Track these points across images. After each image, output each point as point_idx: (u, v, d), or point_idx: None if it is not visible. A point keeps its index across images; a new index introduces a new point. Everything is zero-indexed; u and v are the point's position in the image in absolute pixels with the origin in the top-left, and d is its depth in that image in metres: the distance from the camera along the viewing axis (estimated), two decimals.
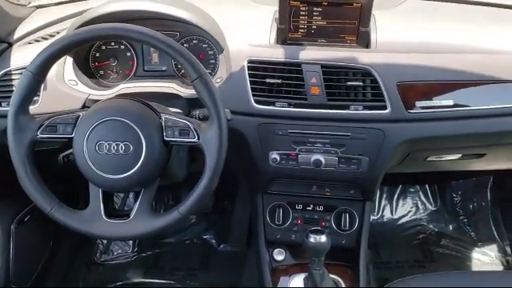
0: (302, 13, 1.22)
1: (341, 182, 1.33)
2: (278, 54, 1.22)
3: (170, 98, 1.24)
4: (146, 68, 1.38)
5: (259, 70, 1.22)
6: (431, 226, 2.18)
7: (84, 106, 1.24)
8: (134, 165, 1.00)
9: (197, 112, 1.18)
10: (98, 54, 1.37)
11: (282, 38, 1.25)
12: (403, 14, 1.38)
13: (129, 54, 1.37)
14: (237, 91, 1.23)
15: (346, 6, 1.18)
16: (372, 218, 2.19)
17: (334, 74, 1.20)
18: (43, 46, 1.00)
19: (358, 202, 1.39)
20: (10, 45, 1.40)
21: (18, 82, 1.01)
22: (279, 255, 1.45)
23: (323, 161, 1.25)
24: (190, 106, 1.23)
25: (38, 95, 1.24)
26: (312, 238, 1.12)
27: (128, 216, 1.04)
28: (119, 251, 2.10)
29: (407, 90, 1.19)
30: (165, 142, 1.03)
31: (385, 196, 2.23)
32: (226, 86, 1.23)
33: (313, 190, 1.39)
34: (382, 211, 2.22)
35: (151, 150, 1.00)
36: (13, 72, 1.28)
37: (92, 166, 1.01)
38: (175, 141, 1.03)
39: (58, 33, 1.38)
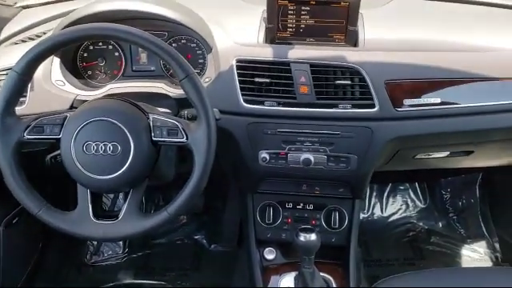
0: (290, 12, 1.22)
1: (330, 180, 1.33)
2: (266, 53, 1.22)
3: (158, 98, 1.24)
4: (134, 68, 1.37)
5: (248, 69, 1.22)
6: (421, 224, 2.19)
7: (72, 107, 1.23)
8: (122, 165, 0.99)
9: (185, 112, 1.18)
10: (85, 54, 1.36)
11: (271, 38, 1.25)
12: (391, 13, 1.39)
13: (117, 54, 1.36)
14: (226, 91, 1.22)
15: (334, 5, 1.19)
16: (362, 216, 2.20)
17: (322, 73, 1.21)
18: (30, 47, 0.99)
19: (347, 200, 1.40)
20: None
21: (3, 83, 1.00)
22: (270, 254, 1.46)
23: (312, 159, 1.25)
24: (178, 105, 1.22)
25: (25, 96, 1.22)
26: (302, 237, 1.13)
27: (116, 217, 1.03)
28: (110, 252, 2.09)
29: (395, 88, 1.20)
30: (153, 142, 1.02)
31: (375, 194, 2.25)
32: (214, 85, 1.23)
33: (302, 188, 1.40)
34: (372, 209, 2.23)
35: (139, 151, 1.00)
36: None
37: (80, 167, 1.00)
38: (163, 141, 1.03)
39: (44, 33, 1.37)
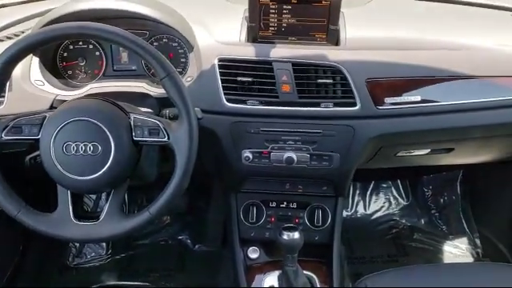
0: (271, 11, 1.22)
1: (313, 178, 1.34)
2: (248, 52, 1.22)
3: (140, 98, 1.23)
4: (115, 67, 1.36)
5: (230, 68, 1.22)
6: (404, 221, 2.21)
7: (52, 107, 1.21)
8: (103, 165, 0.98)
9: (167, 111, 1.17)
10: (65, 54, 1.34)
11: (253, 36, 1.25)
12: (372, 12, 1.40)
13: (97, 53, 1.34)
14: (208, 90, 1.22)
15: (315, 4, 1.19)
16: (346, 213, 2.21)
17: (304, 72, 1.21)
18: (7, 45, 0.97)
19: (330, 198, 1.41)
20: None
21: None
22: (253, 253, 1.46)
23: (295, 158, 1.26)
24: (160, 105, 1.21)
25: (3, 96, 1.20)
26: (285, 235, 1.13)
27: (98, 218, 1.02)
28: (92, 254, 2.07)
29: (376, 86, 1.21)
30: (134, 141, 1.02)
31: (358, 192, 2.26)
32: (196, 84, 1.23)
33: (286, 187, 1.40)
34: (356, 207, 2.24)
35: (120, 151, 0.99)
36: None
37: (60, 168, 0.99)
38: (145, 141, 1.02)
39: (22, 32, 1.34)
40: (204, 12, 1.37)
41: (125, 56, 1.35)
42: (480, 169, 1.88)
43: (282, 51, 1.22)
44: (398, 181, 2.27)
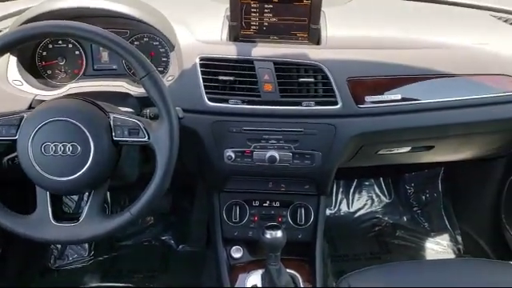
0: (253, 10, 1.22)
1: (296, 177, 1.34)
2: (230, 51, 1.22)
3: (120, 97, 1.22)
4: (95, 67, 1.34)
5: (211, 67, 1.21)
6: (386, 218, 2.23)
7: (30, 107, 1.19)
8: (82, 166, 0.97)
9: (147, 111, 1.16)
10: (44, 53, 1.32)
11: (234, 35, 1.25)
12: (352, 11, 1.41)
13: (77, 52, 1.33)
14: (189, 89, 1.22)
15: (296, 3, 1.19)
16: (329, 212, 2.22)
17: (286, 71, 1.21)
18: None
19: (312, 196, 1.41)
20: None
21: None
22: (237, 253, 1.46)
23: (278, 157, 1.26)
24: (141, 104, 1.20)
25: None
26: (268, 234, 1.13)
27: (77, 219, 1.01)
28: (75, 256, 2.04)
29: (357, 85, 1.22)
30: (114, 142, 1.01)
31: (341, 190, 2.27)
32: (178, 83, 1.22)
33: (269, 186, 1.40)
34: (339, 205, 2.25)
35: (100, 151, 0.98)
36: None
37: (38, 169, 0.97)
38: (125, 140, 1.01)
39: (0, 31, 1.32)
40: (185, 11, 1.36)
41: (105, 55, 1.34)
42: (461, 166, 1.90)
43: (263, 50, 1.22)
44: (381, 179, 2.29)
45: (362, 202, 2.27)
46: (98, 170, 0.99)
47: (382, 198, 2.29)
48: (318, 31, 1.25)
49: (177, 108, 1.03)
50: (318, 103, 1.22)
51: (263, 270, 1.26)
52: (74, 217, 1.02)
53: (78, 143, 0.97)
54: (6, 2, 1.52)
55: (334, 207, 2.25)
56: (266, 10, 1.22)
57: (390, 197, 2.29)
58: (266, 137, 1.26)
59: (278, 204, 1.43)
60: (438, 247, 2.10)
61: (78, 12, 1.21)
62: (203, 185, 1.64)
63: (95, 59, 1.34)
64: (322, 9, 1.20)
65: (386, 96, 1.23)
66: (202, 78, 1.21)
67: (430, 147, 1.45)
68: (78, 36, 0.97)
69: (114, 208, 2.13)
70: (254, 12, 1.22)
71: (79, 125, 0.97)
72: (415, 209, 2.24)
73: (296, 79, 1.22)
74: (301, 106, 1.22)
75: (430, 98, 1.26)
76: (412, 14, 1.45)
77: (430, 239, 2.14)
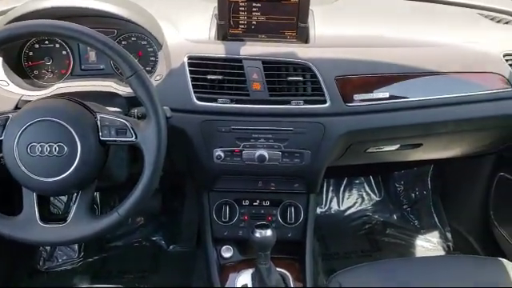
0: (241, 8, 1.21)
1: (285, 176, 1.34)
2: (218, 49, 1.22)
3: (108, 97, 1.21)
4: (83, 67, 1.33)
5: (200, 66, 1.21)
6: (376, 216, 2.24)
7: (17, 108, 1.18)
8: (69, 166, 0.96)
9: (135, 110, 1.15)
10: (31, 53, 1.31)
11: (223, 34, 1.24)
12: (340, 10, 1.41)
13: (64, 52, 1.31)
14: (177, 88, 1.21)
15: (284, 2, 1.19)
16: (319, 210, 2.23)
17: (274, 70, 1.21)
18: None
19: (302, 195, 1.41)
20: None
21: None
22: (227, 252, 1.45)
23: (267, 156, 1.26)
24: (129, 104, 1.19)
25: None
26: (258, 233, 1.13)
27: (65, 220, 1.00)
28: (64, 257, 2.02)
29: (345, 83, 1.22)
30: (101, 142, 1.00)
31: (331, 188, 2.28)
32: (166, 83, 1.21)
33: (259, 185, 1.40)
34: (329, 203, 2.26)
35: (87, 151, 0.97)
36: None
37: (24, 170, 0.96)
38: (112, 140, 1.00)
39: None
40: (173, 10, 1.35)
41: (93, 55, 1.33)
42: (450, 164, 1.92)
43: (252, 49, 1.22)
44: (371, 177, 2.30)
45: (352, 201, 2.28)
46: (85, 170, 0.98)
47: (372, 196, 2.30)
48: (307, 30, 1.24)
49: (165, 107, 1.03)
50: (306, 102, 1.22)
51: (253, 270, 1.26)
52: (61, 218, 1.01)
53: (64, 143, 0.96)
54: None
55: (325, 206, 2.26)
56: (254, 9, 1.21)
57: (380, 195, 2.30)
58: (255, 136, 1.26)
59: (267, 203, 1.43)
60: (428, 244, 2.12)
61: (64, 12, 1.20)
62: (193, 184, 1.64)
63: (83, 59, 1.32)
64: (310, 7, 1.20)
65: (375, 94, 1.24)
66: (191, 77, 1.20)
67: (418, 145, 1.46)
68: (65, 35, 0.96)
69: (104, 209, 2.12)
70: (243, 11, 1.22)
71: (66, 125, 0.96)
72: (405, 206, 2.25)
73: (285, 78, 1.22)
74: (289, 104, 1.22)
75: (418, 96, 1.26)
76: (400, 13, 1.46)
77: (420, 236, 2.15)
